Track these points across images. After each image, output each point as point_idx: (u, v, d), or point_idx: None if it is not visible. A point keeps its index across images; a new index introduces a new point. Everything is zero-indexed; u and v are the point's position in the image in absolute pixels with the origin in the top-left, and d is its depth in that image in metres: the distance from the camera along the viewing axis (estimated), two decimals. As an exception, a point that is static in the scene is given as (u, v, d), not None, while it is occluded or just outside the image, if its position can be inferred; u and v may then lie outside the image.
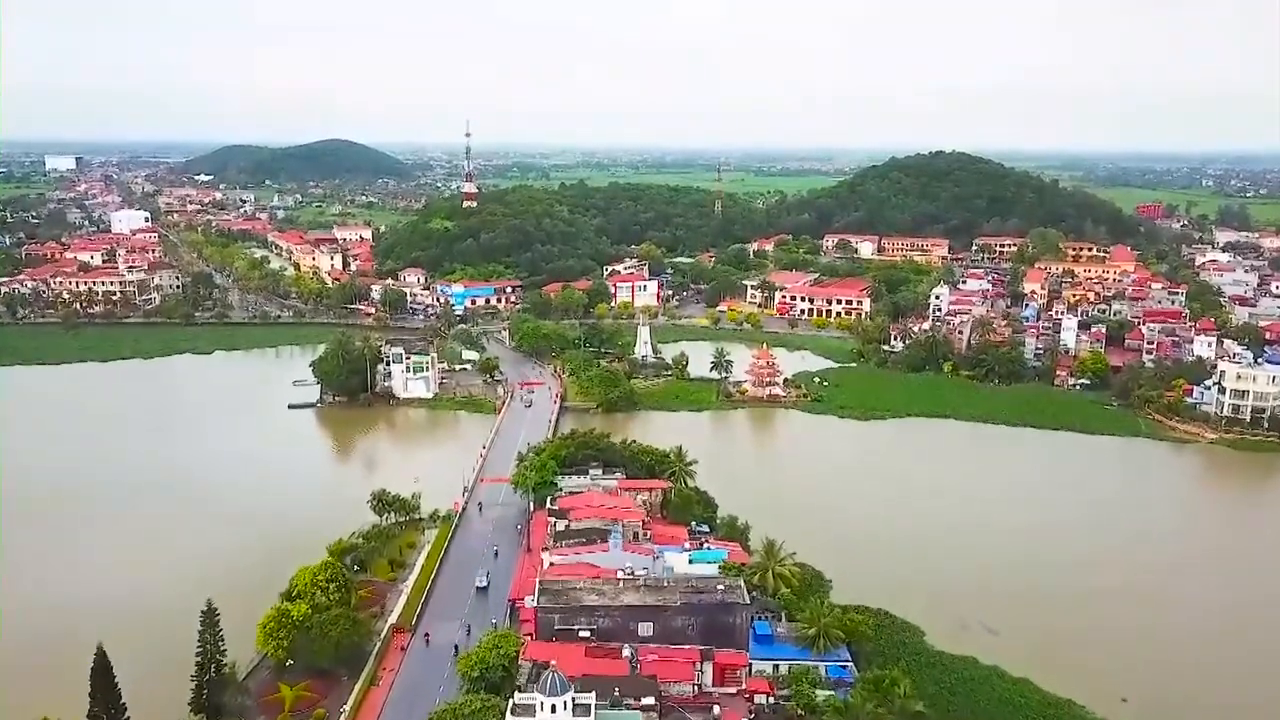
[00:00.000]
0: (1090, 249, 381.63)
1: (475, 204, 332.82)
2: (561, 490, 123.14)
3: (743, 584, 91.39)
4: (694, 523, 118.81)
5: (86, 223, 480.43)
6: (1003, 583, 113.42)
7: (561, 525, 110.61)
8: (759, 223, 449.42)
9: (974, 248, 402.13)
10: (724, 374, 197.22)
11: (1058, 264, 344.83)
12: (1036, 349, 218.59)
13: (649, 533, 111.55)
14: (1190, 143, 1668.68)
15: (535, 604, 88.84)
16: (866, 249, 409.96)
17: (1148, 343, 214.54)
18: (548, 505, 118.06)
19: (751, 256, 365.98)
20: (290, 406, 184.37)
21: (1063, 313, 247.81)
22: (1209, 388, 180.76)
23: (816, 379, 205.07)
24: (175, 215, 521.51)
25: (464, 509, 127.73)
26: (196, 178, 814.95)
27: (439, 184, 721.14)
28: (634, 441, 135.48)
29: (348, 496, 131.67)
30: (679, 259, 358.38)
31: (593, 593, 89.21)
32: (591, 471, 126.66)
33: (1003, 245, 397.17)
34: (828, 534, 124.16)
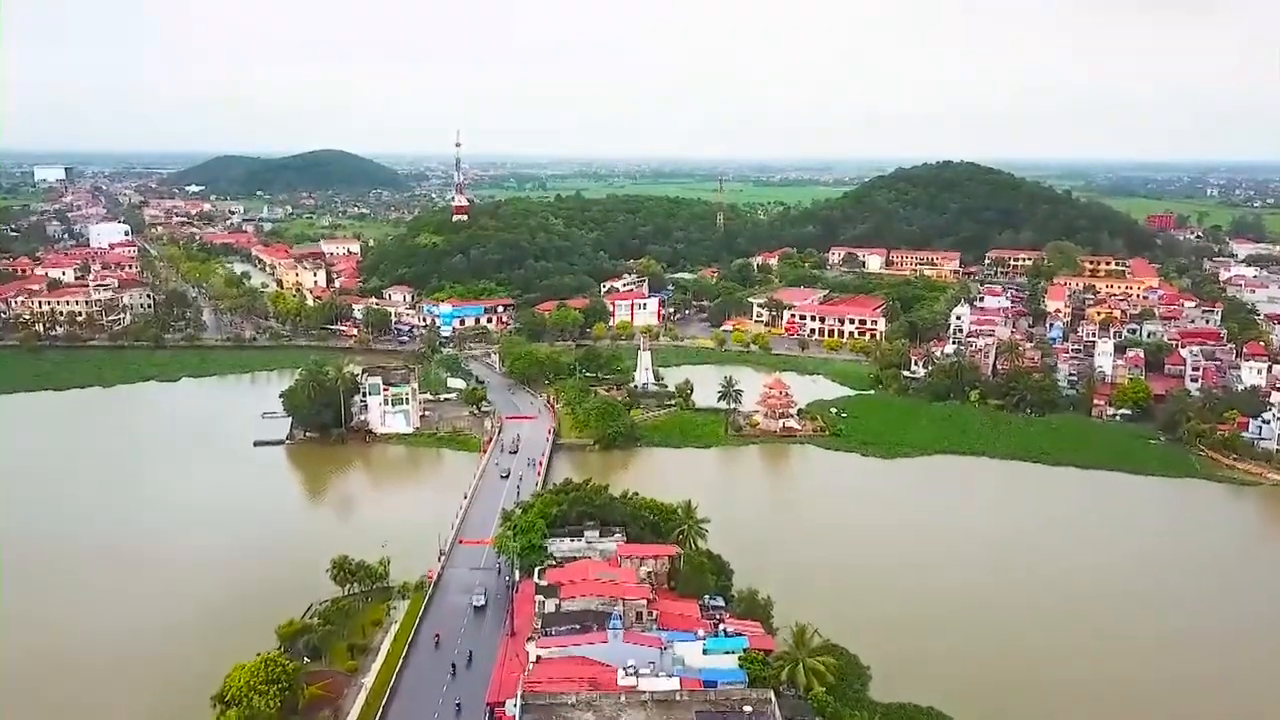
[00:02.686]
0: (1108, 262, 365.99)
1: (466, 217, 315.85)
2: (552, 557, 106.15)
3: (772, 697, 74.46)
4: (707, 596, 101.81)
5: (66, 236, 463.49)
6: (1071, 670, 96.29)
7: (551, 605, 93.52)
8: (762, 235, 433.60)
9: (987, 261, 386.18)
10: (733, 404, 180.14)
11: (1076, 279, 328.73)
12: (1070, 375, 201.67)
13: (655, 613, 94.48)
14: (1185, 152, 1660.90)
15: (517, 721, 72.01)
16: (875, 262, 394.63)
17: (1192, 369, 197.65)
18: (536, 575, 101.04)
19: (756, 271, 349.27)
20: (256, 444, 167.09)
21: (1094, 334, 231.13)
22: (1268, 421, 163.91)
23: (833, 409, 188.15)
24: (159, 228, 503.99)
25: (439, 576, 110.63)
26: (187, 189, 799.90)
27: (434, 195, 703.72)
28: (635, 494, 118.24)
29: (308, 558, 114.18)
30: (680, 274, 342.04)
31: (588, 709, 72.24)
32: (588, 533, 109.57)
33: (1017, 259, 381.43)
34: (861, 605, 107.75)
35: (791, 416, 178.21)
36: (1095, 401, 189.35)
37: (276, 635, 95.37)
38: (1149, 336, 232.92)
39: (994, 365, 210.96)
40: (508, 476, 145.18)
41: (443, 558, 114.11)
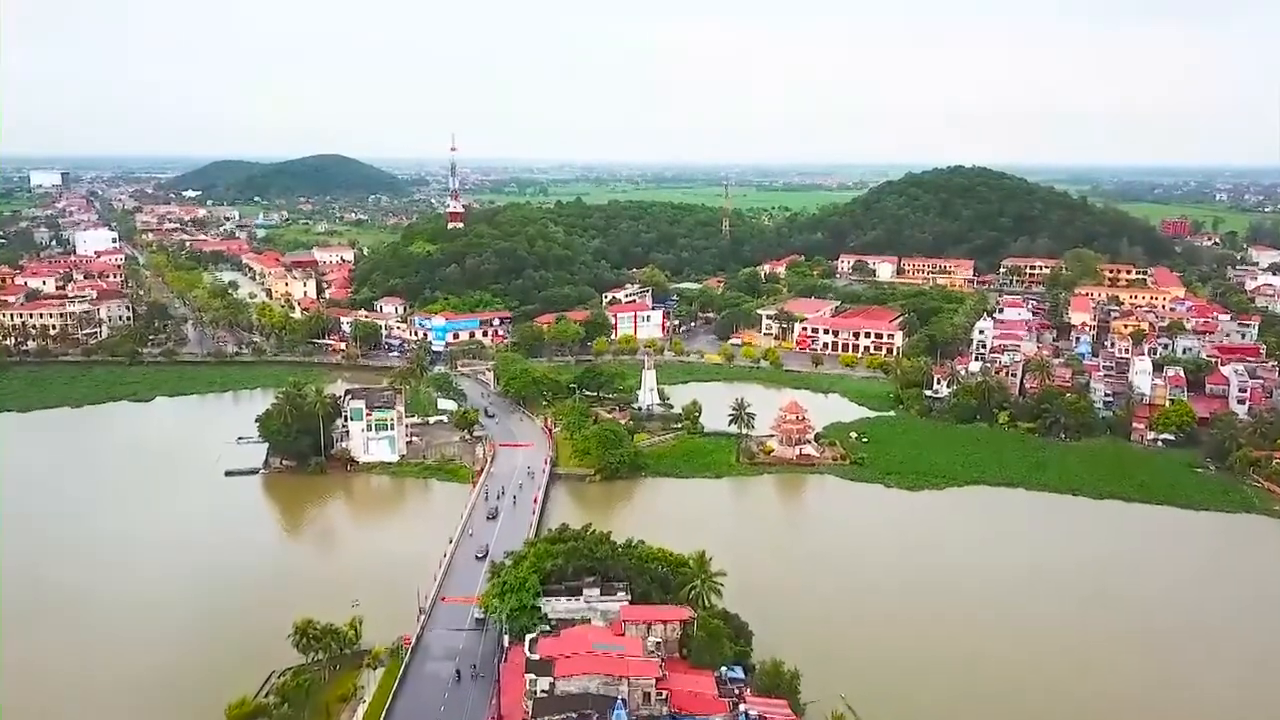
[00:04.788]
0: (1128, 271, 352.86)
1: (461, 225, 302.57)
2: (546, 620, 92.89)
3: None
4: (724, 668, 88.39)
5: (54, 243, 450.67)
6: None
7: (544, 685, 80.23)
8: (769, 242, 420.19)
9: (1002, 270, 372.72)
10: (745, 429, 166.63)
11: (1097, 288, 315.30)
12: (1106, 396, 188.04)
13: (664, 693, 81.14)
14: (1187, 156, 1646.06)
15: None
16: (886, 270, 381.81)
17: (1238, 389, 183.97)
18: (527, 645, 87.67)
19: (763, 280, 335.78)
20: (228, 473, 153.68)
21: (1127, 350, 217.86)
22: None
23: (853, 434, 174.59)
24: (150, 235, 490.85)
25: (418, 639, 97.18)
26: (184, 194, 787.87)
27: (433, 200, 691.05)
28: (641, 543, 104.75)
29: (271, 614, 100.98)
30: (685, 284, 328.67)
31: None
32: (587, 591, 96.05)
33: (1033, 267, 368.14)
34: (902, 674, 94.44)
35: (809, 442, 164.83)
36: (1134, 425, 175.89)
37: (226, 718, 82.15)
38: (1184, 352, 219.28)
39: (1021, 384, 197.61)
40: (495, 517, 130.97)
41: (422, 616, 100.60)
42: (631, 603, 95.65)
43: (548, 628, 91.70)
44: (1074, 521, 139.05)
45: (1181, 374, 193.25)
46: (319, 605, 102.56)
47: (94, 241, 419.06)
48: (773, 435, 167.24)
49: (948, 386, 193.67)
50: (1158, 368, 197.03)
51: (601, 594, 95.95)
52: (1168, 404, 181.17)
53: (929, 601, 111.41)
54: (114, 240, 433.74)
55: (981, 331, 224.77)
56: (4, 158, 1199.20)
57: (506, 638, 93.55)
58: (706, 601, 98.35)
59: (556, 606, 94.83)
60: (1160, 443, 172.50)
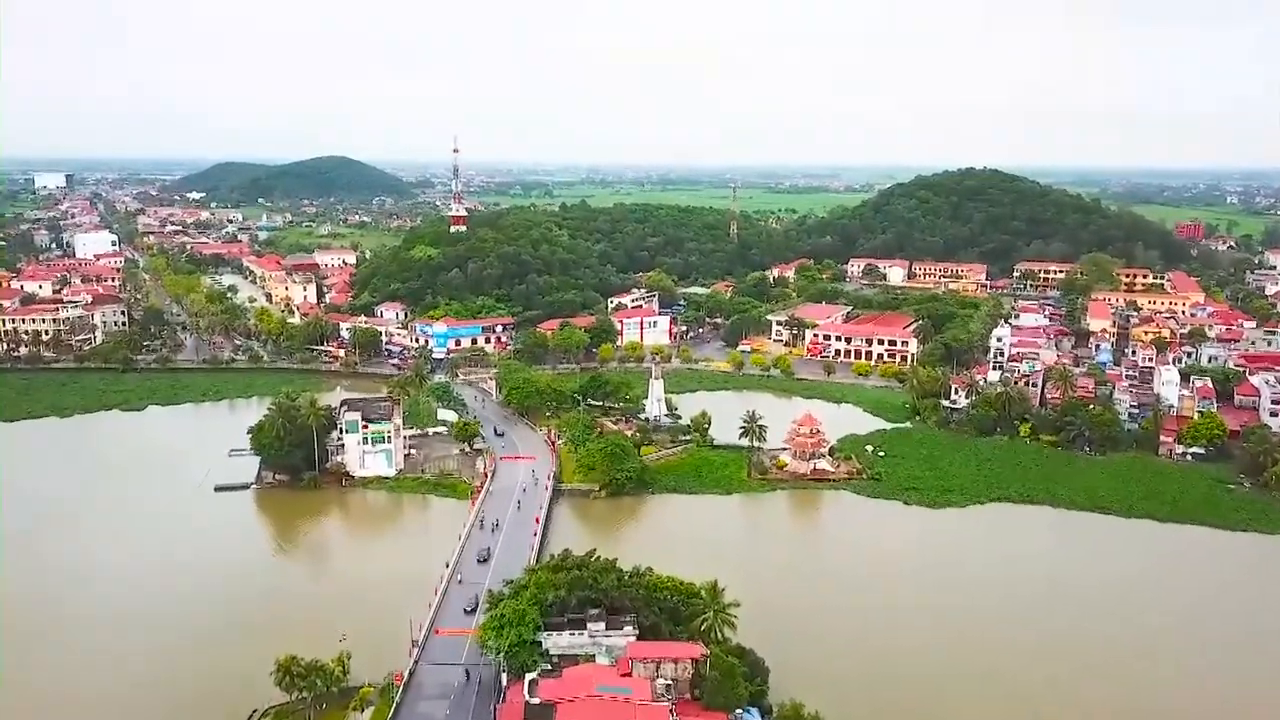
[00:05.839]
0: (1145, 275, 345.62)
1: (464, 228, 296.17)
2: (547, 655, 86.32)
3: None
4: (740, 710, 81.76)
5: (55, 246, 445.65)
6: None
7: (545, 734, 73.74)
8: (777, 245, 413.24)
9: (1015, 274, 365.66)
10: (756, 442, 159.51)
11: (1114, 294, 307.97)
12: (1131, 407, 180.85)
13: (676, 743, 74.58)
14: (1190, 158, 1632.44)
15: None
16: (896, 275, 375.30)
17: (1270, 400, 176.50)
18: (526, 687, 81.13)
19: (772, 284, 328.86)
20: (218, 488, 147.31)
21: (1150, 358, 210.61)
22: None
23: (869, 447, 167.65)
24: (151, 237, 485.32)
25: (410, 676, 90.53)
26: (189, 195, 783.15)
27: (438, 202, 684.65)
28: (649, 570, 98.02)
29: (253, 644, 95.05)
30: (692, 289, 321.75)
31: None
32: (591, 625, 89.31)
33: (1048, 271, 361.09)
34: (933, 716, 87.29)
35: (823, 457, 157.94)
36: (1162, 438, 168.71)
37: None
38: (1210, 361, 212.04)
39: (1042, 394, 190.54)
40: (487, 560, 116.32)
41: (415, 650, 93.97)
42: (639, 637, 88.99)
43: (549, 666, 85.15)
44: (1105, 542, 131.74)
45: (1210, 384, 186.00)
46: (307, 633, 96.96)
47: (93, 244, 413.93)
48: (785, 449, 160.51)
49: (966, 397, 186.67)
50: (1184, 377, 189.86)
51: (607, 628, 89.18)
52: (1196, 416, 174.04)
53: (961, 633, 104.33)
54: (113, 243, 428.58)
55: (1000, 339, 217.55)
56: (9, 160, 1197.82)
57: (505, 677, 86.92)
58: (719, 635, 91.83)
59: (558, 641, 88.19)
60: (1189, 457, 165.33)
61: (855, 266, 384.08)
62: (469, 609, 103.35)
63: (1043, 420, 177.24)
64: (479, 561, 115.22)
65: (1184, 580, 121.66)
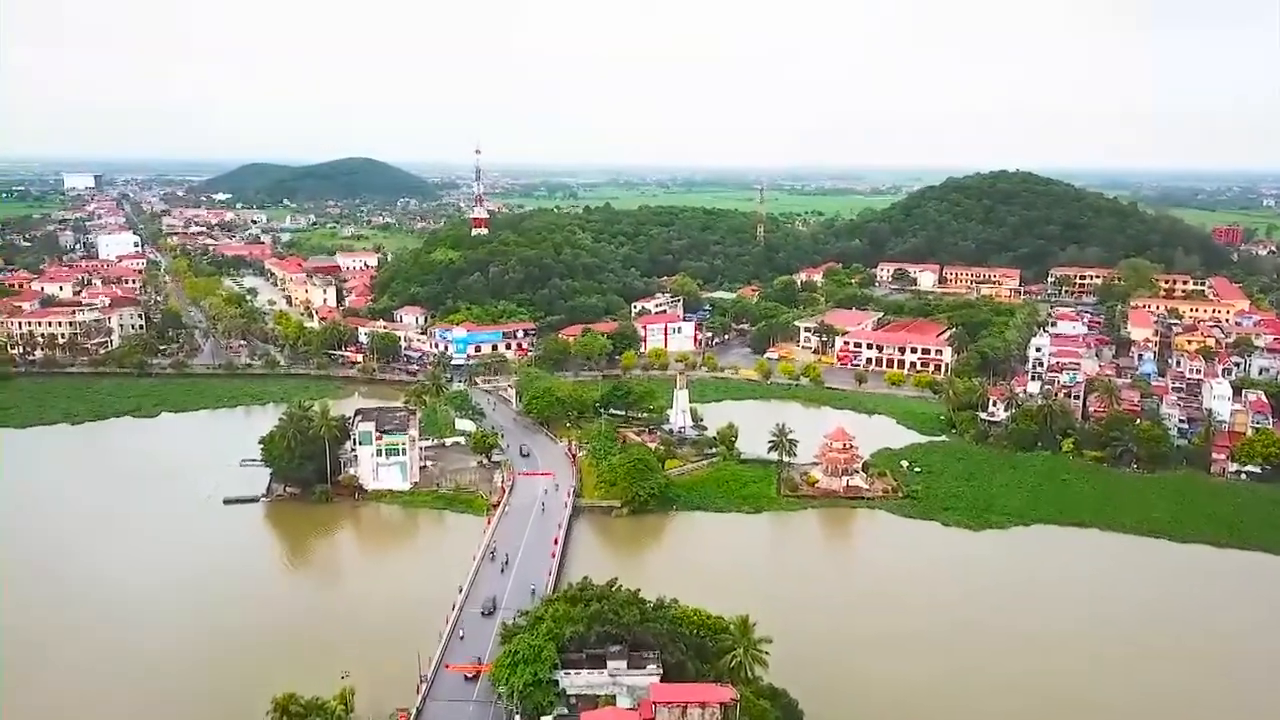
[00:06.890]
0: (1185, 281, 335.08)
1: (486, 231, 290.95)
2: (565, 696, 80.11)
3: None
4: (772, 762, 75.12)
5: (79, 247, 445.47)
6: None
7: (560, 789, 67.41)
8: (805, 249, 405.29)
9: (1050, 279, 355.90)
10: (786, 456, 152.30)
11: (1154, 300, 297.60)
12: (1180, 422, 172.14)
13: (703, 801, 67.97)
14: (1222, 160, 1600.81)
15: None
16: (927, 279, 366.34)
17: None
18: (541, 732, 75.00)
19: (800, 289, 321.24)
20: (227, 501, 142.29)
21: (1198, 370, 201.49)
22: None
23: (904, 462, 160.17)
24: (175, 238, 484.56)
25: (417, 715, 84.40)
26: (214, 197, 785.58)
27: (462, 204, 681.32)
28: (674, 602, 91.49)
29: (251, 677, 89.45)
30: (718, 293, 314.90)
31: None
32: (612, 663, 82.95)
33: (1083, 277, 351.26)
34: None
35: (857, 473, 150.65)
36: (1214, 455, 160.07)
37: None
38: (1261, 373, 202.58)
39: (1084, 407, 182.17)
40: (491, 614, 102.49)
41: (423, 686, 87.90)
42: (664, 676, 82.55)
43: (565, 710, 78.90)
44: (1160, 568, 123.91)
45: (1264, 398, 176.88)
46: (309, 661, 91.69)
47: (116, 245, 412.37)
48: (816, 463, 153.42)
49: (1005, 409, 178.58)
50: (1236, 390, 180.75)
51: (629, 666, 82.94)
52: (1250, 432, 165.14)
53: (1012, 673, 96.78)
54: (136, 244, 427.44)
55: (1039, 349, 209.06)
56: (41, 160, 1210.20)
57: (519, 718, 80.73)
58: (749, 673, 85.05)
59: (576, 680, 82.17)
60: (1244, 476, 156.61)
61: (885, 270, 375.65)
62: (486, 611, 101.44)
63: (1086, 435, 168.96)
64: (484, 615, 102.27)
65: (1247, 610, 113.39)
